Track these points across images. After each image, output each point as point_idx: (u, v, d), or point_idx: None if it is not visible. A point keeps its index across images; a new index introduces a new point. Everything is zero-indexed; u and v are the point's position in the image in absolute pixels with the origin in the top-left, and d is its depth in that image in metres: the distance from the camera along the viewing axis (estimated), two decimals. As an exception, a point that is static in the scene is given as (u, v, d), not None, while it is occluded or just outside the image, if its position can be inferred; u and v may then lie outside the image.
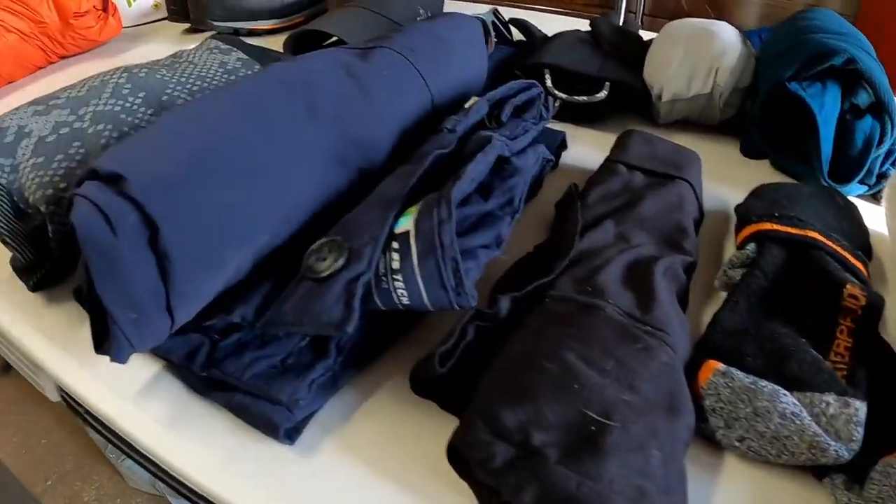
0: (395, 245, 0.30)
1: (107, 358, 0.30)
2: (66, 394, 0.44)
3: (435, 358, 0.29)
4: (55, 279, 0.45)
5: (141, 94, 0.48)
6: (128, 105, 0.47)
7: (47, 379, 0.44)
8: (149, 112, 0.47)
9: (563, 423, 0.27)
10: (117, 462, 0.76)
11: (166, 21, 0.88)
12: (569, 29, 0.64)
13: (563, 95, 0.53)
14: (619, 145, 0.47)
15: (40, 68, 0.79)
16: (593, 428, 0.27)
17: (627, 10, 1.14)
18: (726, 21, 0.60)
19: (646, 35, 0.67)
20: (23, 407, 0.95)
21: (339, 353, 0.32)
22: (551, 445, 0.26)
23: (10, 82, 0.76)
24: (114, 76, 0.49)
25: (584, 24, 0.79)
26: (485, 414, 0.27)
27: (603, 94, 0.54)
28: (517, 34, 0.68)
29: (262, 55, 0.56)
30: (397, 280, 0.29)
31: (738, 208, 0.46)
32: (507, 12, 0.72)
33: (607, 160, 0.46)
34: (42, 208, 0.41)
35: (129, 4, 0.88)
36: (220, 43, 0.55)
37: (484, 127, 0.41)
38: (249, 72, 0.52)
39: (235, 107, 0.36)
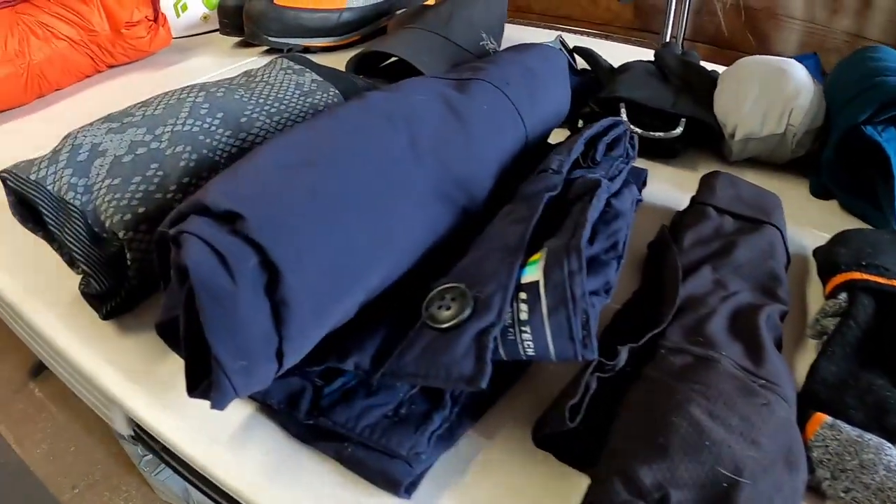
0: (523, 296, 0.29)
1: (188, 396, 0.28)
2: (140, 428, 0.43)
3: (565, 412, 0.29)
4: (128, 307, 0.43)
5: (219, 115, 0.46)
6: (206, 126, 0.45)
7: (118, 412, 0.42)
8: (227, 133, 0.46)
9: (698, 480, 0.27)
10: (149, 474, 0.75)
11: (215, 34, 0.87)
12: (634, 59, 0.64)
13: (639, 131, 0.53)
14: (705, 187, 0.47)
15: (88, 76, 0.78)
16: (725, 485, 0.27)
17: (670, 36, 1.13)
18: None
19: (707, 66, 0.67)
20: (52, 413, 0.93)
21: (454, 403, 0.31)
22: (688, 503, 0.26)
23: (57, 89, 0.75)
24: (190, 94, 0.48)
25: (631, 49, 0.79)
26: (621, 472, 0.27)
27: (679, 130, 0.53)
28: (580, 62, 0.68)
29: (334, 76, 0.55)
30: (525, 332, 0.29)
31: (820, 254, 0.45)
32: (548, 35, 0.71)
33: (697, 202, 0.45)
34: (120, 234, 0.40)
35: (178, 15, 0.87)
36: (291, 63, 0.54)
37: (578, 166, 0.41)
38: (325, 94, 0.52)
39: (342, 141, 0.35)
